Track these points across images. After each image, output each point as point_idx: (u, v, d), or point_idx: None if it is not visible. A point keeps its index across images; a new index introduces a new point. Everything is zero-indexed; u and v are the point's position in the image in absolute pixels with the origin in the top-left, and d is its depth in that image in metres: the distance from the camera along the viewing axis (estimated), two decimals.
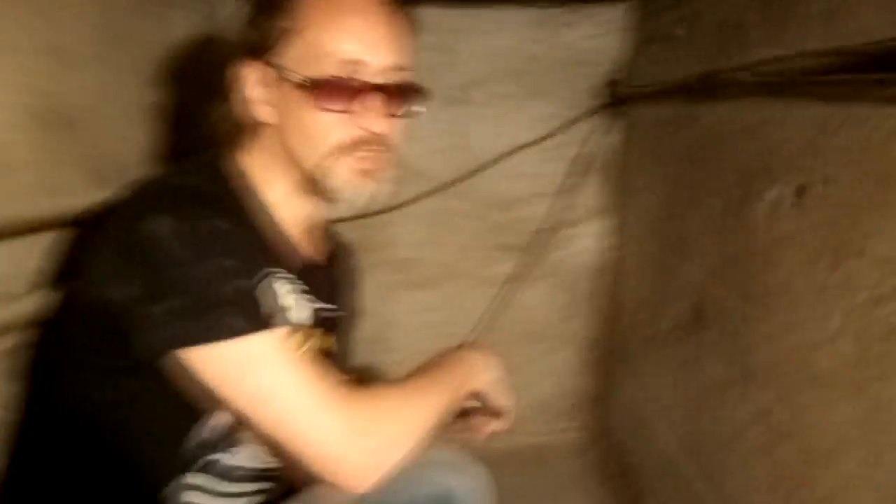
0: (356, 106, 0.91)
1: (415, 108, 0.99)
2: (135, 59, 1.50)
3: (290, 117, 0.94)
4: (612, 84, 2.16)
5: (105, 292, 0.83)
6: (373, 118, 0.92)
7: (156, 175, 0.95)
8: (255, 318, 0.81)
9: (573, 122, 2.22)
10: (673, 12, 1.73)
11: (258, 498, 0.99)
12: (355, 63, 0.90)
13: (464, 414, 1.11)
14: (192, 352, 0.79)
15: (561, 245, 2.34)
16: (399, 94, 0.95)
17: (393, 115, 0.95)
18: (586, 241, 2.35)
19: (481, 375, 1.05)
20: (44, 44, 1.18)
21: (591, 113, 2.21)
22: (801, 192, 1.11)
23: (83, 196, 1.25)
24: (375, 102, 0.91)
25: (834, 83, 1.02)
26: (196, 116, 1.75)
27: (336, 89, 0.90)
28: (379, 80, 0.92)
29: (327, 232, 1.16)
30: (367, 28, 0.92)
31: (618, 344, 2.22)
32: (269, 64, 0.94)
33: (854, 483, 0.95)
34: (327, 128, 0.92)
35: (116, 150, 1.42)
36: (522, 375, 2.34)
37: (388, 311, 2.35)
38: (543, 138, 2.24)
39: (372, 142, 0.93)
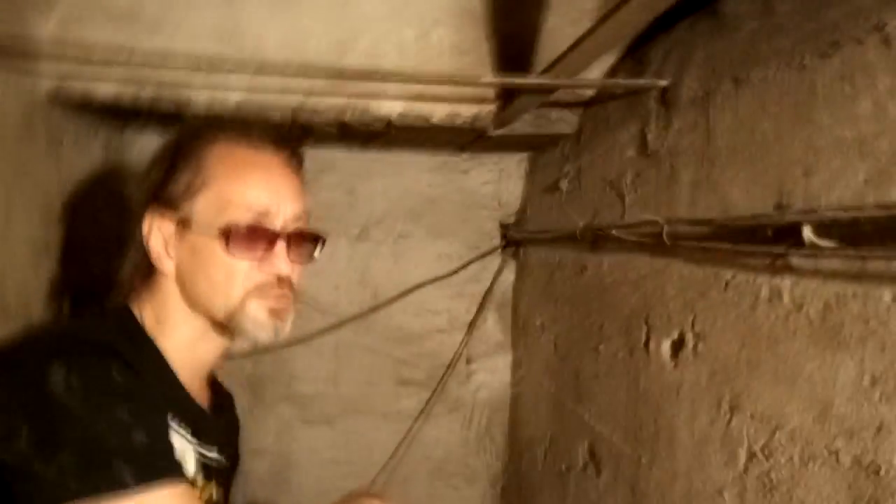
0: (265, 252, 0.95)
1: (316, 252, 1.05)
2: (32, 196, 1.48)
3: (197, 266, 0.96)
4: (506, 227, 2.28)
5: None
6: (280, 263, 0.96)
7: (48, 324, 0.94)
8: (149, 472, 0.80)
9: (470, 261, 2.30)
10: (558, 169, 1.87)
11: None
12: (264, 213, 0.95)
13: None
14: None
15: (462, 380, 2.36)
16: (302, 239, 1.00)
17: (297, 259, 1.00)
18: (487, 377, 2.37)
19: None
20: None
21: (486, 253, 2.30)
22: (677, 346, 1.19)
23: None
24: (283, 249, 0.96)
25: (703, 249, 1.12)
26: (94, 256, 1.74)
27: (247, 237, 0.94)
28: (285, 228, 0.97)
29: (213, 379, 1.15)
30: (273, 180, 0.98)
31: (518, 482, 2.22)
32: (173, 216, 0.96)
33: None
34: (237, 274, 0.95)
35: (6, 288, 1.38)
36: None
37: (287, 449, 2.27)
38: (442, 277, 2.30)
39: (279, 285, 0.96)
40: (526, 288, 2.22)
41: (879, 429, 0.74)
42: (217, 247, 0.94)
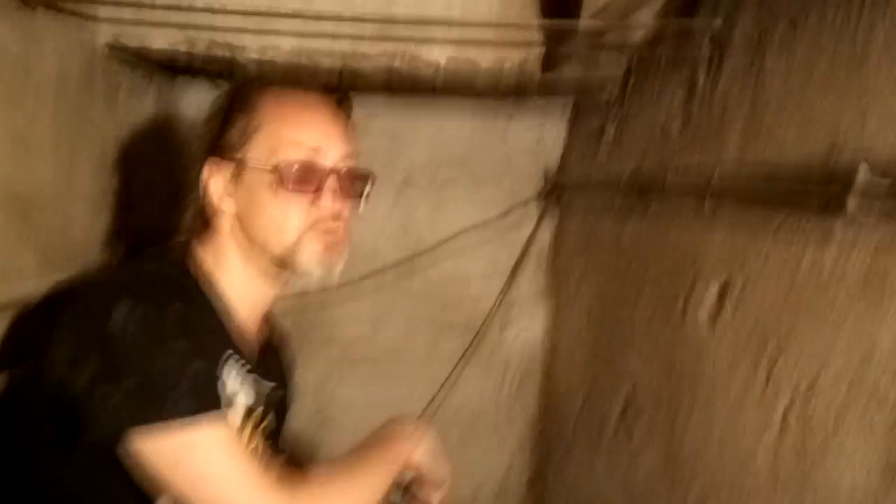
0: (317, 189, 1.00)
1: (365, 191, 1.10)
2: (91, 145, 1.54)
3: (255, 205, 1.02)
4: (549, 175, 2.27)
5: (63, 375, 0.87)
6: (332, 199, 1.01)
7: (114, 263, 0.99)
8: (206, 400, 0.88)
9: (512, 209, 2.32)
10: (603, 114, 1.85)
11: None
12: (315, 151, 1.00)
13: (404, 486, 1.14)
14: (141, 432, 0.84)
15: (502, 325, 2.40)
16: (352, 178, 1.05)
17: (348, 196, 1.04)
18: (526, 323, 2.41)
19: (417, 448, 1.11)
20: (8, 133, 1.22)
21: (528, 201, 2.31)
22: (723, 292, 1.19)
23: (35, 280, 1.28)
24: (334, 185, 1.01)
25: (753, 194, 1.11)
26: (147, 203, 1.80)
27: (299, 174, 0.99)
28: (335, 165, 1.02)
29: (270, 317, 1.21)
30: (323, 122, 1.03)
31: (556, 427, 2.26)
32: (232, 159, 1.02)
33: None
34: (292, 210, 1.00)
35: (71, 234, 1.45)
36: (464, 457, 2.40)
37: (331, 388, 2.35)
38: (485, 222, 2.32)
39: (332, 220, 1.02)
40: (567, 236, 2.23)
41: None
42: (272, 185, 0.99)
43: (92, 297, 0.93)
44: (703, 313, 1.24)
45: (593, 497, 1.81)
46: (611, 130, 1.80)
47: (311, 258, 1.01)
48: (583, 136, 2.10)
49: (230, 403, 0.97)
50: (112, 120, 1.65)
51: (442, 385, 2.37)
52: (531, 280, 2.38)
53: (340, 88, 1.14)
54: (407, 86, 1.99)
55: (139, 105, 1.81)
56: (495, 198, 2.32)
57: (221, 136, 1.04)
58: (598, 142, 1.92)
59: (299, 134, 1.01)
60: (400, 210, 2.32)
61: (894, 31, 0.82)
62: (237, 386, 1.00)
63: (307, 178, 1.00)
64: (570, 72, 1.71)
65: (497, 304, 2.37)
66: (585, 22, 1.40)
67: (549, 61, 1.68)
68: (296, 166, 0.99)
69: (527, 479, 2.47)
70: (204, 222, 1.07)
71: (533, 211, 2.34)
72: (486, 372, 2.42)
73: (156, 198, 1.79)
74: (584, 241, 2.05)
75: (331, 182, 1.01)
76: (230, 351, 1.00)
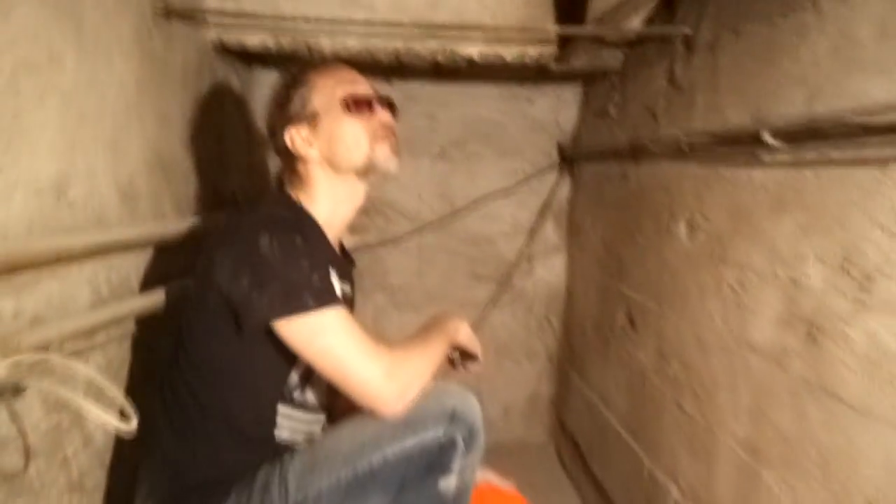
0: (370, 110, 1.39)
1: (395, 109, 1.47)
2: (204, 121, 1.99)
3: (335, 138, 1.38)
4: (563, 147, 2.72)
5: (226, 285, 1.22)
6: (383, 113, 1.41)
7: (249, 207, 1.38)
8: (325, 299, 1.21)
9: (532, 176, 2.77)
10: (607, 97, 2.30)
11: (316, 426, 1.43)
12: (359, 85, 1.42)
13: (454, 360, 1.57)
14: (282, 321, 1.19)
15: (524, 275, 2.87)
16: (387, 101, 1.45)
17: (391, 111, 1.44)
18: (545, 272, 2.88)
19: (460, 332, 1.50)
20: (156, 113, 1.66)
21: (546, 169, 2.77)
22: (691, 225, 1.64)
23: (171, 223, 1.72)
24: (379, 104, 1.41)
25: (710, 153, 1.56)
26: (243, 164, 2.25)
27: (356, 100, 1.38)
28: (375, 93, 1.43)
29: (342, 246, 1.58)
30: (352, 71, 1.46)
31: (570, 354, 2.73)
32: (304, 118, 1.39)
33: (725, 410, 1.46)
34: (361, 128, 1.38)
35: (191, 189, 1.90)
36: (493, 384, 2.87)
37: (381, 329, 2.81)
38: (509, 188, 2.77)
39: (387, 129, 1.41)
40: (579, 197, 2.68)
41: (802, 257, 1.20)
42: (341, 116, 1.37)
43: (242, 232, 1.23)
44: (681, 234, 1.68)
45: (604, 390, 2.28)
46: (612, 110, 2.25)
47: (384, 157, 1.38)
48: (590, 115, 2.55)
49: (342, 299, 1.32)
50: (215, 101, 2.10)
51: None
52: (549, 236, 2.84)
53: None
54: (445, 73, 2.42)
55: (230, 90, 2.26)
56: (518, 168, 2.79)
57: (289, 110, 1.39)
58: (602, 119, 2.37)
59: (345, 79, 1.41)
60: (437, 178, 2.78)
61: (792, 43, 1.26)
62: (338, 287, 1.38)
63: (362, 102, 1.38)
64: (578, 64, 2.15)
65: (520, 256, 2.84)
66: (589, 28, 1.84)
67: (562, 55, 2.12)
68: (353, 96, 1.37)
69: (547, 399, 2.94)
70: (293, 173, 1.43)
71: (550, 178, 2.80)
72: (513, 313, 2.89)
73: (238, 164, 2.24)
74: (592, 200, 2.50)
75: (377, 102, 1.40)
76: (329, 263, 1.38)
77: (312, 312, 1.19)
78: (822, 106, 1.16)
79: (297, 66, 1.47)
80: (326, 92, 1.39)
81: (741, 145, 1.38)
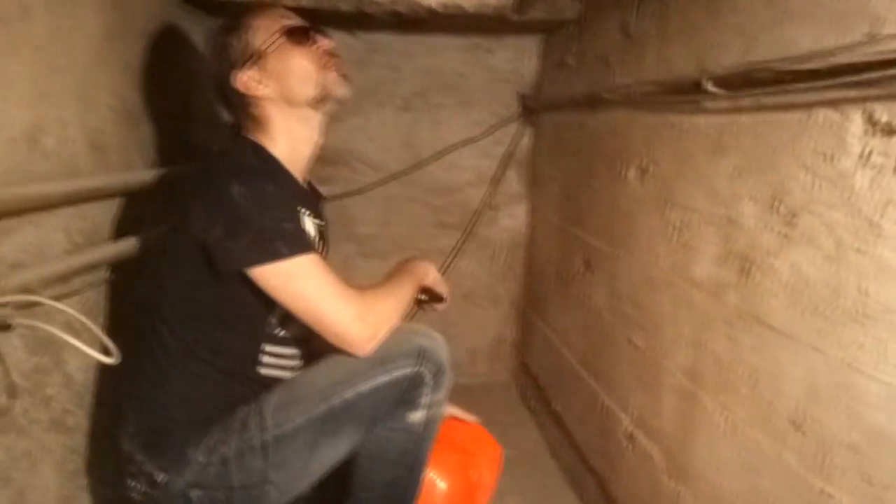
0: (312, 41, 1.43)
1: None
2: (171, 74, 2.01)
3: (284, 71, 1.40)
4: (524, 98, 2.78)
5: (201, 234, 1.26)
6: (325, 41, 1.45)
7: (218, 156, 1.42)
8: (298, 246, 1.26)
9: (495, 127, 2.84)
10: (566, 47, 2.36)
11: (297, 360, 1.50)
12: (293, 21, 1.45)
13: (421, 301, 1.67)
14: (256, 269, 1.25)
15: (488, 224, 2.95)
16: (322, 32, 1.48)
17: (326, 37, 1.47)
18: (508, 221, 2.96)
19: (429, 274, 1.61)
20: (122, 64, 1.69)
21: (509, 120, 2.83)
22: (642, 171, 1.73)
23: (140, 172, 1.77)
24: (318, 32, 1.45)
25: (658, 101, 1.64)
26: (208, 114, 2.27)
27: (297, 32, 1.42)
28: (309, 24, 1.47)
29: (309, 182, 1.63)
30: (288, 11, 1.49)
31: (532, 298, 2.84)
32: (249, 59, 1.41)
33: (670, 342, 1.57)
34: (308, 57, 1.42)
35: (160, 140, 1.94)
36: (459, 329, 2.98)
37: (349, 277, 2.85)
38: (472, 139, 2.84)
39: (330, 54, 1.45)
40: (540, 147, 2.76)
41: (738, 197, 1.29)
42: (286, 50, 1.40)
43: (214, 182, 1.27)
44: (633, 178, 1.77)
45: (562, 341, 2.39)
46: (571, 61, 2.32)
47: (335, 83, 1.43)
48: (550, 66, 2.62)
49: (314, 244, 1.39)
50: (181, 52, 2.12)
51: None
52: (512, 185, 2.92)
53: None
54: (406, 24, 2.45)
55: (194, 41, 2.25)
56: (480, 118, 2.85)
57: (231, 55, 1.41)
58: (561, 69, 2.44)
59: (278, 16, 1.44)
60: (401, 129, 2.83)
61: None
62: (309, 229, 1.45)
63: (303, 34, 1.42)
64: (536, 14, 2.21)
65: (484, 205, 2.91)
66: None
67: (520, 6, 2.17)
68: (294, 27, 1.42)
69: (511, 342, 3.06)
70: (248, 115, 1.44)
71: (512, 128, 2.86)
72: (478, 261, 2.98)
73: (204, 114, 2.27)
74: (552, 149, 2.58)
75: (315, 31, 1.44)
76: (300, 207, 1.44)
77: (286, 259, 1.24)
78: (758, 54, 1.24)
79: (229, 14, 1.49)
80: (265, 30, 1.42)
81: (686, 93, 1.46)
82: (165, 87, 1.97)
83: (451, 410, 1.70)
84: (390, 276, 1.51)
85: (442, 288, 1.66)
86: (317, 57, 1.43)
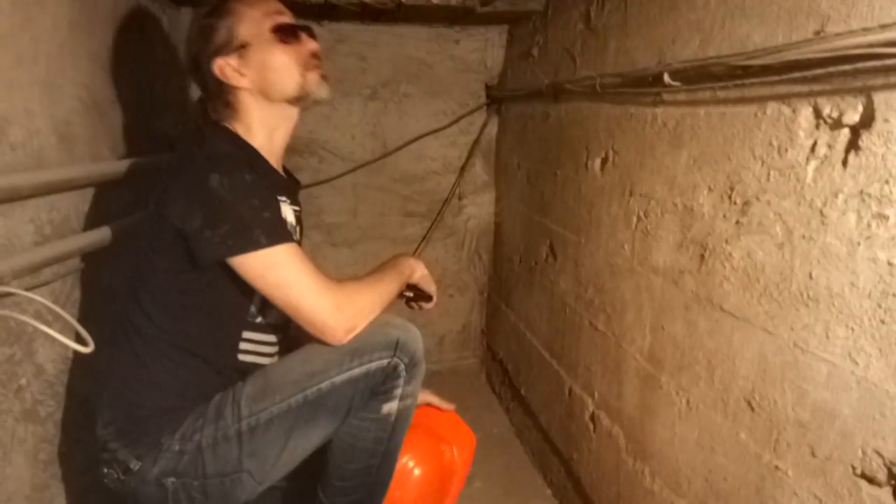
0: (297, 39, 1.42)
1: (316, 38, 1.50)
2: (138, 65, 2.00)
3: (266, 66, 1.40)
4: (490, 88, 2.82)
5: (180, 224, 1.27)
6: (310, 41, 1.45)
7: (196, 144, 1.39)
8: (276, 236, 1.26)
9: (461, 116, 2.87)
10: (530, 39, 2.40)
11: (277, 347, 1.51)
12: (281, 15, 1.44)
13: (408, 298, 1.69)
14: (236, 259, 1.27)
15: (455, 212, 2.99)
16: (309, 30, 1.48)
17: (313, 38, 1.48)
18: (475, 210, 3.00)
19: (416, 272, 1.63)
20: (88, 54, 1.68)
21: (474, 110, 2.87)
22: (604, 161, 1.78)
23: (107, 163, 1.76)
24: (304, 32, 1.45)
25: (620, 93, 1.68)
26: (171, 103, 2.26)
27: (285, 29, 1.41)
28: (298, 23, 1.46)
29: (287, 160, 1.63)
30: (279, 4, 1.47)
31: (499, 285, 2.89)
32: (233, 49, 1.39)
33: (631, 326, 1.62)
34: (292, 54, 1.41)
35: (130, 131, 1.93)
36: (428, 315, 3.00)
37: (318, 265, 2.88)
38: (438, 129, 2.87)
39: (314, 56, 1.45)
40: (506, 136, 2.80)
41: (695, 186, 1.35)
42: (272, 45, 1.40)
43: (193, 171, 1.27)
44: (596, 168, 1.82)
45: (528, 327, 2.44)
46: (535, 52, 2.36)
47: (315, 84, 1.44)
48: (516, 57, 2.65)
49: (292, 234, 1.41)
50: (145, 41, 2.11)
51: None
52: (478, 174, 2.96)
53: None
54: (372, 14, 2.47)
55: (159, 30, 2.25)
56: (447, 108, 2.87)
57: (215, 40, 1.39)
58: (526, 61, 2.47)
59: (269, 9, 1.42)
60: (369, 119, 2.84)
61: None
62: (288, 217, 1.45)
63: (290, 32, 1.41)
64: (501, 6, 2.24)
65: (451, 194, 2.95)
66: None
67: None
68: (283, 25, 1.40)
69: (478, 329, 3.11)
70: (226, 104, 1.43)
71: (478, 118, 2.90)
72: (445, 249, 3.01)
73: (169, 103, 2.27)
74: (518, 139, 2.62)
75: (302, 31, 1.43)
76: (279, 195, 1.43)
77: (264, 249, 1.25)
78: (713, 49, 1.29)
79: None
80: (254, 21, 1.41)
81: (646, 86, 1.51)
82: (131, 76, 1.96)
83: (429, 398, 1.73)
84: (377, 270, 1.52)
85: (430, 287, 1.68)
86: (301, 57, 1.43)
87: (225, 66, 1.41)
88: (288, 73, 1.43)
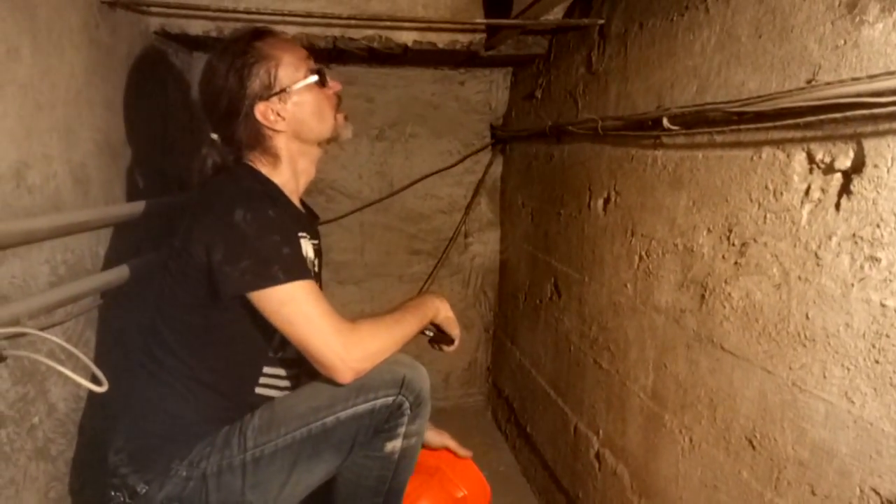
0: (326, 83, 1.50)
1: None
2: (149, 106, 2.06)
3: (306, 110, 1.46)
4: (495, 128, 2.88)
5: (202, 258, 1.30)
6: (334, 83, 1.53)
7: (221, 181, 1.43)
8: (294, 272, 1.29)
9: (466, 156, 2.92)
10: (534, 81, 2.45)
11: (293, 381, 1.52)
12: (312, 62, 1.51)
13: (430, 338, 1.69)
14: (255, 294, 1.28)
15: (461, 250, 3.02)
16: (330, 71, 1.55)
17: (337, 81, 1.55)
18: (480, 247, 3.04)
19: (440, 313, 1.63)
20: (103, 100, 1.74)
21: (479, 150, 2.92)
22: (606, 201, 1.81)
23: (122, 205, 1.81)
24: (332, 78, 1.52)
25: (621, 136, 1.72)
26: (186, 146, 2.31)
27: (321, 75, 1.48)
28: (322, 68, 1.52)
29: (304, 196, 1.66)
30: (303, 49, 1.53)
31: (504, 323, 2.91)
32: (274, 94, 1.43)
33: (635, 365, 1.64)
34: (327, 100, 1.50)
35: (142, 171, 1.98)
36: (434, 352, 3.00)
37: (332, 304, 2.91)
38: (444, 169, 2.92)
39: (339, 100, 1.55)
40: (510, 176, 2.85)
41: (695, 227, 1.38)
42: (312, 91, 1.47)
43: (218, 206, 1.30)
44: (599, 208, 1.85)
45: (533, 364, 2.46)
46: (539, 94, 2.41)
47: (344, 129, 1.54)
48: (519, 98, 2.71)
49: (310, 270, 1.42)
50: (158, 86, 2.17)
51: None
52: (484, 212, 3.00)
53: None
54: (380, 58, 2.53)
55: (172, 74, 2.32)
56: (452, 148, 2.93)
57: (255, 85, 1.41)
58: (530, 102, 2.53)
59: (301, 54, 1.49)
60: (376, 159, 2.90)
61: (688, 38, 1.42)
62: (308, 252, 1.48)
63: (323, 75, 1.49)
64: (506, 50, 2.30)
65: (456, 232, 2.99)
66: (512, 20, 1.99)
67: (490, 42, 2.26)
68: (317, 69, 1.48)
69: (485, 366, 3.12)
70: (256, 144, 1.45)
71: (483, 158, 2.95)
72: (451, 287, 3.04)
73: (181, 146, 2.32)
74: (522, 178, 2.66)
75: (330, 77, 1.51)
76: (299, 231, 1.46)
77: (281, 285, 1.27)
78: (710, 95, 1.33)
79: (241, 39, 1.46)
80: (293, 67, 1.45)
81: (647, 129, 1.55)
82: (145, 120, 2.02)
83: (447, 442, 1.74)
84: (398, 308, 1.52)
85: (453, 330, 1.68)
86: (332, 100, 1.51)
87: (267, 111, 1.44)
88: (324, 117, 1.50)
